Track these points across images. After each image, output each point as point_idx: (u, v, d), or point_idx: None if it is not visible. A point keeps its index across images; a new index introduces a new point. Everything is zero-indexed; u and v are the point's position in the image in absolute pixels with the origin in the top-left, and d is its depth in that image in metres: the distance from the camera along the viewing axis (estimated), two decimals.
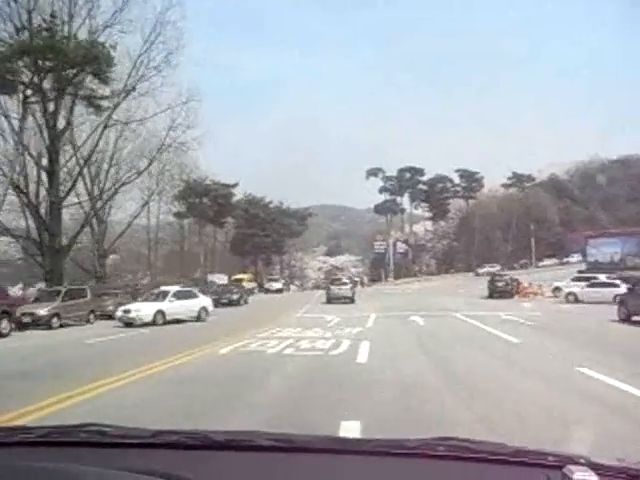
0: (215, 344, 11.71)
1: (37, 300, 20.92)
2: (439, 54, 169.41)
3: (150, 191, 47.61)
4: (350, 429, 4.53)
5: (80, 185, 35.04)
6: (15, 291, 33.20)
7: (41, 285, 29.50)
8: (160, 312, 18.16)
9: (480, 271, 67.51)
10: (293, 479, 1.23)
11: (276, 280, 58.12)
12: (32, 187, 27.52)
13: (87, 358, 10.71)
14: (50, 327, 18.75)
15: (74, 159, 29.77)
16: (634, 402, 5.94)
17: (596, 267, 41.80)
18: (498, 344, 11.56)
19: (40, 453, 1.32)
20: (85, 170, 34.78)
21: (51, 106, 25.45)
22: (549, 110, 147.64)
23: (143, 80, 27.20)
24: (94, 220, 40.25)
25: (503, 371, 8.31)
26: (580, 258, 71.00)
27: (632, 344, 12.04)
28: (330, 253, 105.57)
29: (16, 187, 26.75)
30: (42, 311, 19.02)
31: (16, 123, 25.85)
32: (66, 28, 23.22)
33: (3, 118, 26.06)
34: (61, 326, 19.63)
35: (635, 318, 16.90)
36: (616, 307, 18.77)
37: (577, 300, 28.26)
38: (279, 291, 52.26)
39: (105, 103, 23.55)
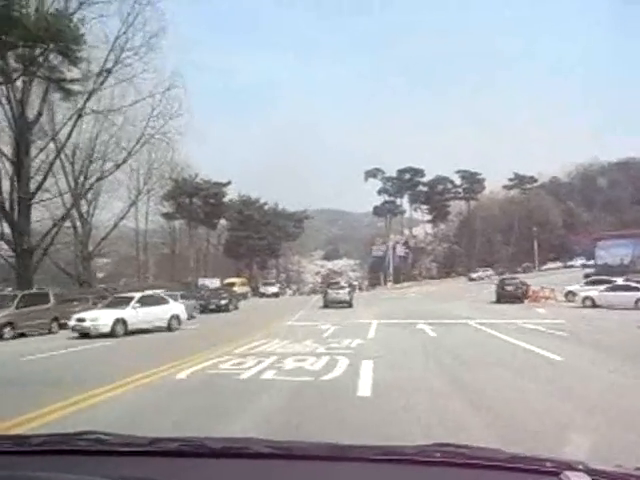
0: (177, 364, 9.21)
1: None
2: (434, 55, 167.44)
3: (138, 190, 45.39)
4: None
5: (62, 181, 32.67)
6: None
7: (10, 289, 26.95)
8: (121, 321, 15.39)
9: (473, 275, 65.89)
10: None
11: (272, 284, 55.62)
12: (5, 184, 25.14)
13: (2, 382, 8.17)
14: (1, 337, 16.19)
15: (53, 152, 27.49)
16: None
17: (605, 270, 39.70)
18: (537, 363, 9.09)
19: (37, 462, 1.30)
20: (66, 164, 32.65)
21: (19, 93, 23.06)
22: (545, 109, 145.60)
23: (122, 65, 24.91)
24: (77, 222, 38.07)
25: (564, 408, 5.84)
26: (585, 261, 69.74)
27: None
28: (328, 257, 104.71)
29: None
30: None
31: None
32: (34, 3, 20.85)
33: None
34: (22, 335, 17.15)
35: None
36: None
37: (595, 305, 25.95)
38: (275, 295, 49.68)
39: (76, 87, 21.16)
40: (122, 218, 43.41)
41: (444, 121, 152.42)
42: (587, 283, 30.68)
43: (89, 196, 39.31)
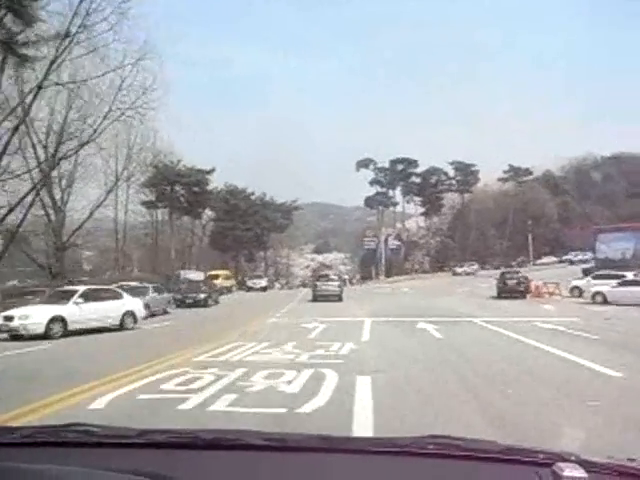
0: (106, 381, 6.83)
1: None
2: (419, 46, 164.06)
3: (116, 176, 42.62)
4: None
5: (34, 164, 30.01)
6: None
7: None
8: (58, 319, 12.77)
9: (458, 270, 64.04)
10: (283, 478, 1.21)
11: (260, 277, 52.66)
12: None
13: None
14: None
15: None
16: None
17: (606, 265, 37.80)
18: (587, 378, 6.85)
19: (25, 454, 1.29)
20: (37, 146, 30.01)
21: None
22: (532, 101, 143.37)
23: (89, 32, 22.27)
24: (51, 210, 35.54)
25: None
26: (581, 256, 68.47)
27: None
28: (318, 251, 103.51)
29: None
30: None
31: None
32: None
33: None
34: None
35: None
36: None
37: (606, 301, 23.94)
38: (263, 289, 46.80)
39: (31, 52, 18.57)
40: (98, 206, 40.75)
41: (436, 114, 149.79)
42: (595, 278, 28.62)
43: (63, 183, 37.00)
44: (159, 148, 48.81)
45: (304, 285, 57.05)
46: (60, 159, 26.83)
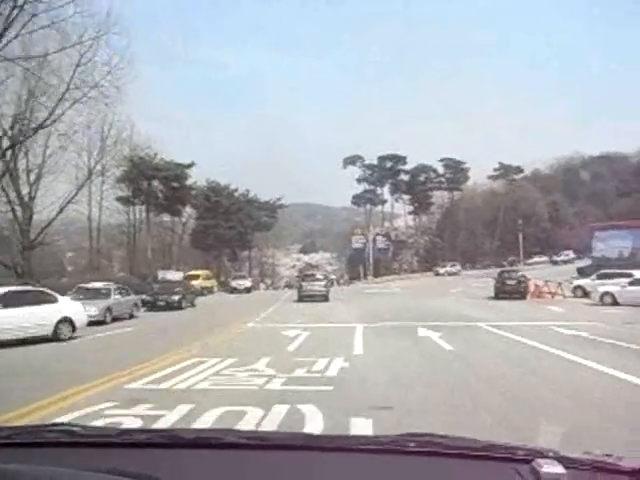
0: None
1: None
2: (409, 44, 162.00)
3: (89, 170, 39.86)
4: None
5: None
6: None
7: None
8: None
9: (441, 270, 62.17)
10: (264, 476, 1.19)
11: (243, 277, 49.38)
12: None
13: None
14: None
15: None
16: None
17: (603, 263, 36.26)
18: None
19: (5, 454, 1.27)
20: None
21: None
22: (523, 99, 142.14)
23: (46, 4, 19.72)
24: (18, 207, 32.99)
25: None
26: (563, 256, 67.60)
27: None
28: (305, 251, 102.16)
29: None
30: None
31: None
32: None
33: None
34: None
35: None
36: None
37: (615, 302, 22.05)
38: (247, 290, 43.71)
39: None
40: (69, 202, 38.01)
41: (425, 112, 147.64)
42: (599, 277, 26.78)
43: (32, 177, 34.53)
44: (136, 142, 46.30)
45: (289, 286, 54.72)
46: (12, 146, 24.08)
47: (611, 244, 43.28)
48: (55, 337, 11.57)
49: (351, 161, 73.02)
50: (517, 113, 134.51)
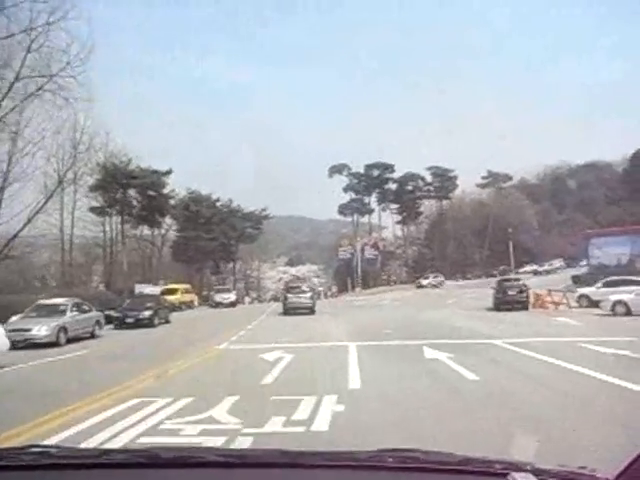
0: None
1: None
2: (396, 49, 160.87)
3: (59, 178, 37.30)
4: None
5: None
6: None
7: None
8: None
9: (423, 282, 58.95)
10: None
11: (227, 291, 45.96)
12: None
13: None
14: None
15: None
16: None
17: (600, 271, 34.67)
18: None
19: None
20: None
21: None
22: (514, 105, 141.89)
23: None
24: None
25: None
26: (547, 266, 66.61)
27: None
28: (291, 263, 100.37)
29: None
30: None
31: None
32: None
33: None
34: None
35: None
36: None
37: (629, 312, 20.19)
38: (232, 304, 40.64)
39: None
40: (37, 212, 35.54)
41: (414, 120, 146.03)
42: (605, 285, 24.97)
43: None
44: (112, 150, 43.86)
45: (276, 299, 52.33)
46: None
47: (608, 251, 41.78)
48: None
49: (337, 170, 71.27)
50: (505, 120, 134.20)
